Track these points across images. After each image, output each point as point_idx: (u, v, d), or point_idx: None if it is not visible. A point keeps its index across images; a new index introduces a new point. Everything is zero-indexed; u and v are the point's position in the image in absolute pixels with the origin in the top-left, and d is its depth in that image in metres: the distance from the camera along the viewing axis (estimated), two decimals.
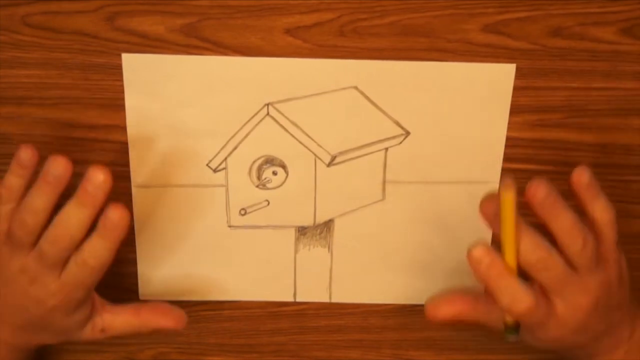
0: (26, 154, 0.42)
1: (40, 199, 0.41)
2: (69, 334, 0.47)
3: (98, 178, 0.40)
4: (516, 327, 0.45)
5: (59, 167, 0.41)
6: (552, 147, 0.50)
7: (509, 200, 0.42)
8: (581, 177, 0.44)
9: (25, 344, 0.48)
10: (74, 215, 0.41)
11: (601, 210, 0.45)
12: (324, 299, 0.55)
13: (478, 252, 0.43)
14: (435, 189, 0.51)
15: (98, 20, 0.46)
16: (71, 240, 0.42)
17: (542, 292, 0.44)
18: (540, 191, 0.42)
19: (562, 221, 0.42)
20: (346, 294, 0.55)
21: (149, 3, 0.45)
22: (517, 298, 0.43)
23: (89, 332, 0.48)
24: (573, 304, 0.44)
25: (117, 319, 0.48)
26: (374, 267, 0.54)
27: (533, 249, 0.43)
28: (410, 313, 0.56)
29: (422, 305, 0.55)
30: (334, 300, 0.55)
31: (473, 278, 0.54)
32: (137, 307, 0.49)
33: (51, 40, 0.46)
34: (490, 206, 0.43)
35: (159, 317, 0.49)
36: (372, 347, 0.57)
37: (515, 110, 0.49)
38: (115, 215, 0.41)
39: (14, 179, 0.43)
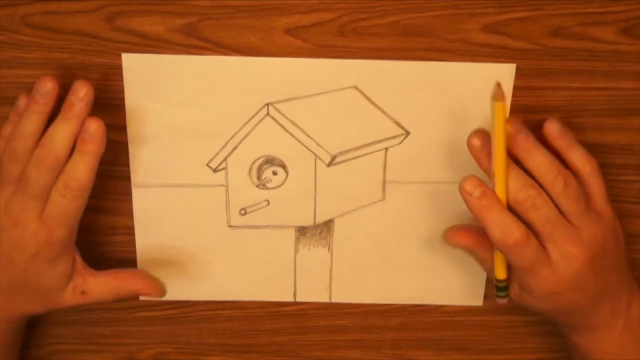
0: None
1: (29, 122, 0.44)
2: (51, 297, 0.47)
3: (81, 90, 0.43)
4: (505, 287, 0.47)
5: (46, 84, 0.43)
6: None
7: (500, 109, 0.42)
8: (551, 127, 0.45)
9: (9, 312, 0.48)
10: (59, 131, 0.43)
11: (579, 160, 0.45)
12: (324, 299, 0.55)
13: (469, 184, 0.44)
14: (435, 189, 0.51)
15: (98, 20, 0.46)
16: (56, 160, 0.43)
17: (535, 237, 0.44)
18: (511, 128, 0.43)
19: (536, 158, 0.43)
20: (346, 294, 0.55)
21: (149, 3, 0.45)
22: (508, 230, 0.43)
23: (69, 295, 0.48)
24: (566, 252, 0.44)
25: (97, 281, 0.49)
26: (374, 267, 0.54)
27: (521, 187, 0.43)
28: (410, 313, 0.56)
29: (422, 305, 0.56)
30: (334, 300, 0.55)
31: (473, 276, 0.54)
32: (117, 272, 0.50)
33: (51, 40, 0.46)
34: (478, 139, 0.44)
35: (138, 282, 0.50)
36: (372, 347, 0.57)
37: (515, 110, 0.49)
38: (92, 125, 0.43)
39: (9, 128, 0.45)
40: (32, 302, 0.48)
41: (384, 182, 0.51)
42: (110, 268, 0.53)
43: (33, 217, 0.44)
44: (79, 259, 0.48)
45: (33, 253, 0.45)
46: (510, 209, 0.44)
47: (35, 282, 0.46)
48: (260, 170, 0.50)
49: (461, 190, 0.44)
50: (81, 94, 0.43)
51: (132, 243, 0.52)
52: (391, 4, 0.46)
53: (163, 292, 0.52)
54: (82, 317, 0.55)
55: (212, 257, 0.53)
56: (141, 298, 0.53)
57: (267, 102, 0.48)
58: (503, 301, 0.49)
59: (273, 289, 0.54)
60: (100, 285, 0.49)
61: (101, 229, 0.52)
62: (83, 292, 0.48)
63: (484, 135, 0.44)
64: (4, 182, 0.45)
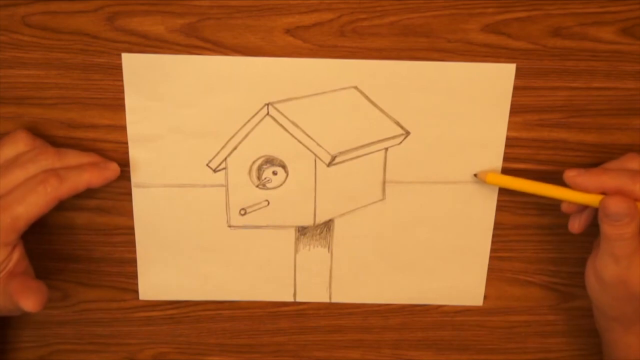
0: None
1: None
2: None
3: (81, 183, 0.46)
4: None
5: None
6: (552, 147, 0.50)
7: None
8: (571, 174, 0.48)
9: None
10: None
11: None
12: (324, 299, 0.55)
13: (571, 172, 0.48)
14: (435, 189, 0.51)
15: (98, 20, 0.46)
16: None
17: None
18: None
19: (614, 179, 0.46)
20: (346, 294, 0.55)
21: (149, 3, 0.45)
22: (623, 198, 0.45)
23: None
24: None
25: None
26: (374, 267, 0.54)
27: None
28: (410, 313, 0.56)
29: (422, 305, 0.56)
30: (334, 300, 0.55)
31: (473, 276, 0.54)
32: (20, 279, 0.46)
33: (51, 40, 0.46)
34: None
35: (18, 289, 0.45)
36: (372, 347, 0.57)
37: (515, 110, 0.49)
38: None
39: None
40: None
41: (384, 182, 0.51)
42: (110, 268, 0.53)
43: None
44: (12, 257, 0.45)
45: None
46: None
47: None
48: (260, 170, 0.50)
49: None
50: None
51: (132, 243, 0.52)
52: (391, 4, 0.46)
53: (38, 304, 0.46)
54: (82, 317, 0.55)
55: (212, 257, 0.53)
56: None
57: (267, 102, 0.48)
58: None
59: (273, 289, 0.54)
60: (3, 289, 0.45)
61: (101, 229, 0.52)
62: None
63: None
64: None
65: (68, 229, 0.52)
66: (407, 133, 0.50)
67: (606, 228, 0.46)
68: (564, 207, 0.49)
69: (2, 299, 0.45)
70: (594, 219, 0.49)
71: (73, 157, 0.47)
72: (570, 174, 0.47)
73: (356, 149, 0.50)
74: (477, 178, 0.50)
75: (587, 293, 0.50)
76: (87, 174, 0.46)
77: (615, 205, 0.45)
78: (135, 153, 0.49)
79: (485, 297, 0.55)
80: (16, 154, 0.46)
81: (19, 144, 0.46)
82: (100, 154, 0.49)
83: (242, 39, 0.46)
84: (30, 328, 0.55)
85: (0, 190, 0.44)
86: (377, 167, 0.51)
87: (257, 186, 0.51)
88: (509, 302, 0.55)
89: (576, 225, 0.50)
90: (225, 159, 0.50)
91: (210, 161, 0.50)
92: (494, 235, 0.53)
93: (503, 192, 0.51)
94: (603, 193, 0.46)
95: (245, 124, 0.49)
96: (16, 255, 0.45)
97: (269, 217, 0.52)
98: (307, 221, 0.52)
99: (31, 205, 0.44)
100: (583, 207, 0.49)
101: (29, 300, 0.45)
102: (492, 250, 0.53)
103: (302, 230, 0.52)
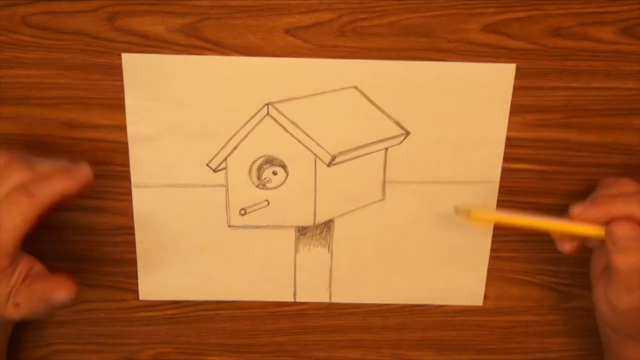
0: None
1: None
2: None
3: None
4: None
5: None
6: (552, 147, 0.50)
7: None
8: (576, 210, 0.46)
9: None
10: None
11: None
12: (324, 299, 0.55)
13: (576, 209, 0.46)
14: (435, 189, 0.51)
15: (98, 20, 0.46)
16: None
17: None
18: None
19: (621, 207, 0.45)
20: (346, 294, 0.55)
21: (149, 3, 0.45)
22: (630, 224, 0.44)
23: (11, 309, 0.45)
24: None
25: (27, 291, 0.45)
26: (374, 267, 0.54)
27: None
28: (410, 313, 0.56)
29: (422, 305, 0.56)
30: (334, 300, 0.55)
31: (473, 276, 0.54)
32: (43, 277, 0.46)
33: (51, 40, 0.46)
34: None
35: (53, 282, 0.45)
36: (372, 347, 0.57)
37: (515, 110, 0.49)
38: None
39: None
40: None
41: (384, 182, 0.51)
42: (110, 268, 0.53)
43: None
44: (22, 270, 0.45)
45: None
46: None
47: None
48: (260, 170, 0.50)
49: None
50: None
51: (132, 243, 0.52)
52: (391, 4, 0.46)
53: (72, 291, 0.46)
54: (82, 317, 0.55)
55: (212, 257, 0.53)
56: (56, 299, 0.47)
57: (267, 102, 0.48)
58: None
59: (273, 289, 0.54)
60: (29, 295, 0.45)
61: (101, 229, 0.52)
62: (17, 305, 0.45)
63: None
64: None
65: (68, 229, 0.52)
66: (407, 133, 0.50)
67: (616, 259, 0.44)
68: (563, 248, 0.47)
69: (31, 305, 0.45)
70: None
71: (44, 166, 0.45)
72: (576, 212, 0.45)
73: (356, 149, 0.50)
74: (459, 216, 0.49)
75: (587, 293, 0.50)
76: (59, 183, 0.44)
77: (623, 229, 0.44)
78: (135, 153, 0.49)
79: (485, 297, 0.55)
80: None
81: None
82: (100, 154, 0.49)
83: (242, 39, 0.46)
84: (30, 328, 0.55)
85: None
86: (377, 167, 0.51)
87: (257, 186, 0.51)
88: (509, 302, 0.55)
89: (567, 246, 0.47)
90: (225, 159, 0.50)
91: (210, 161, 0.50)
92: (494, 235, 0.53)
93: (503, 192, 0.51)
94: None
95: (245, 124, 0.49)
96: (24, 269, 0.45)
97: (269, 217, 0.52)
98: (307, 221, 0.52)
99: (10, 229, 0.42)
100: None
101: (60, 290, 0.45)
102: (492, 250, 0.53)
103: (302, 230, 0.52)
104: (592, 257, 0.49)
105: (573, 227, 0.46)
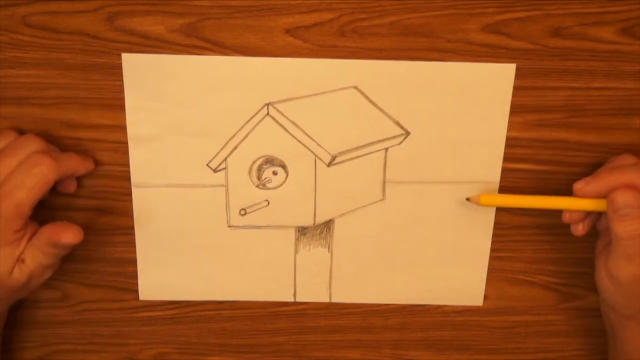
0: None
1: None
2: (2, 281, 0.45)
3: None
4: None
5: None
6: (552, 147, 0.50)
7: None
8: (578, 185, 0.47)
9: None
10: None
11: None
12: (324, 299, 0.55)
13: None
14: (436, 189, 0.51)
15: (98, 20, 0.46)
16: None
17: None
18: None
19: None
20: (346, 294, 0.55)
21: (149, 3, 0.45)
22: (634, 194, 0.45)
23: (17, 273, 0.46)
24: None
25: (29, 244, 0.46)
26: (374, 267, 0.54)
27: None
28: (410, 313, 0.56)
29: (422, 305, 0.56)
30: (334, 300, 0.55)
31: (473, 276, 0.54)
32: (41, 228, 0.46)
33: (51, 40, 0.46)
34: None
35: (56, 228, 0.46)
36: (372, 347, 0.57)
37: (515, 110, 0.49)
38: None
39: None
40: None
41: (384, 182, 0.51)
42: (110, 268, 0.53)
43: None
44: (29, 236, 0.46)
45: None
46: None
47: None
48: (260, 170, 0.50)
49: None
50: None
51: (132, 243, 0.52)
52: (391, 4, 0.46)
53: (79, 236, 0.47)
54: (82, 317, 0.55)
55: (212, 257, 0.53)
56: (63, 242, 0.47)
57: (267, 102, 0.48)
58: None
59: (273, 289, 0.54)
60: (31, 248, 0.46)
61: (101, 229, 0.52)
62: (22, 261, 0.46)
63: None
64: None
65: None
66: (407, 133, 0.50)
67: (616, 227, 0.45)
68: (567, 218, 0.49)
69: (37, 257, 0.46)
70: (596, 221, 0.49)
71: (55, 149, 0.48)
72: (578, 186, 0.47)
73: (356, 149, 0.50)
74: (470, 202, 0.50)
75: (587, 293, 0.50)
76: (74, 159, 0.47)
77: (623, 196, 0.45)
78: (135, 153, 0.49)
79: (485, 297, 0.55)
80: (3, 146, 0.46)
81: (4, 137, 0.47)
82: (100, 154, 0.49)
83: (242, 39, 0.46)
84: (30, 328, 0.55)
85: None
86: (377, 167, 0.51)
87: (257, 186, 0.51)
88: (509, 302, 0.55)
89: (580, 227, 0.49)
90: (225, 159, 0.50)
91: (210, 161, 0.50)
92: (494, 235, 0.53)
93: (503, 192, 0.51)
94: None
95: (245, 124, 0.49)
96: (30, 234, 0.46)
97: (269, 217, 0.52)
98: (307, 221, 0.52)
99: (31, 188, 0.44)
100: (586, 215, 0.49)
101: (67, 233, 0.46)
102: (492, 250, 0.53)
103: (302, 231, 0.52)
104: (597, 240, 0.50)
105: (576, 202, 0.47)
